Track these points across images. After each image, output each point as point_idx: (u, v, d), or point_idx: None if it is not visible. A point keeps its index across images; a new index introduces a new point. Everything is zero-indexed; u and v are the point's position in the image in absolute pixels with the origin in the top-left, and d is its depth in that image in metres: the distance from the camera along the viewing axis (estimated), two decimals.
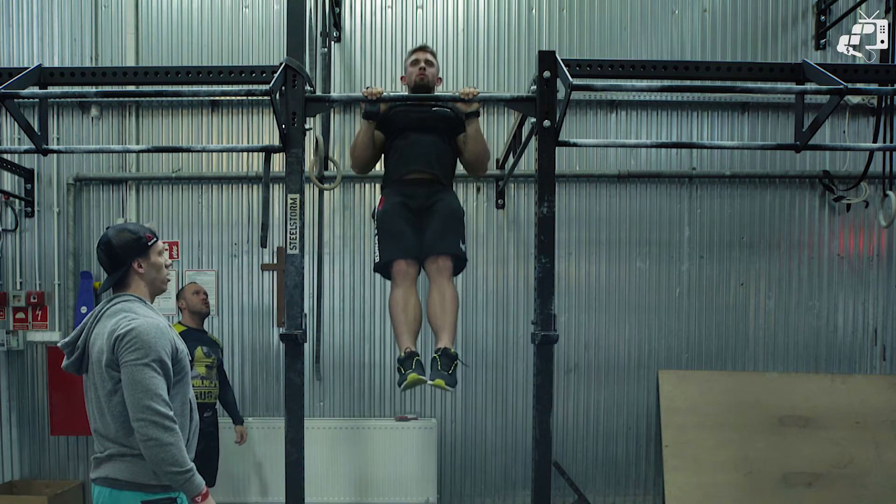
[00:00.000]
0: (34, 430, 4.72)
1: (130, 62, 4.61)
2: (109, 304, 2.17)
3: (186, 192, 4.72)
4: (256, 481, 4.54)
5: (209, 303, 4.15)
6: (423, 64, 3.42)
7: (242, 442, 4.26)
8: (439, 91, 3.66)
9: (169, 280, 2.36)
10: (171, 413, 2.03)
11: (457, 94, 3.22)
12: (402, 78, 3.58)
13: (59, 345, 2.24)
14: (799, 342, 4.70)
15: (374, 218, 3.45)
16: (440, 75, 3.62)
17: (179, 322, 4.08)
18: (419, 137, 3.36)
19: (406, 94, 3.22)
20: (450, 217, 3.29)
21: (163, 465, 2.01)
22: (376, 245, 3.31)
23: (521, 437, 4.62)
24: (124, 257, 2.17)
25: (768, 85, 2.95)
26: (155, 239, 2.25)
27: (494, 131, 4.69)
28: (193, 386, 3.85)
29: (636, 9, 4.64)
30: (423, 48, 3.51)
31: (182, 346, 2.21)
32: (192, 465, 2.07)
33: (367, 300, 4.70)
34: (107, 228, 2.25)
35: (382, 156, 3.55)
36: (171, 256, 4.68)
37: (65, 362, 2.19)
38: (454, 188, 3.52)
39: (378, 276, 4.55)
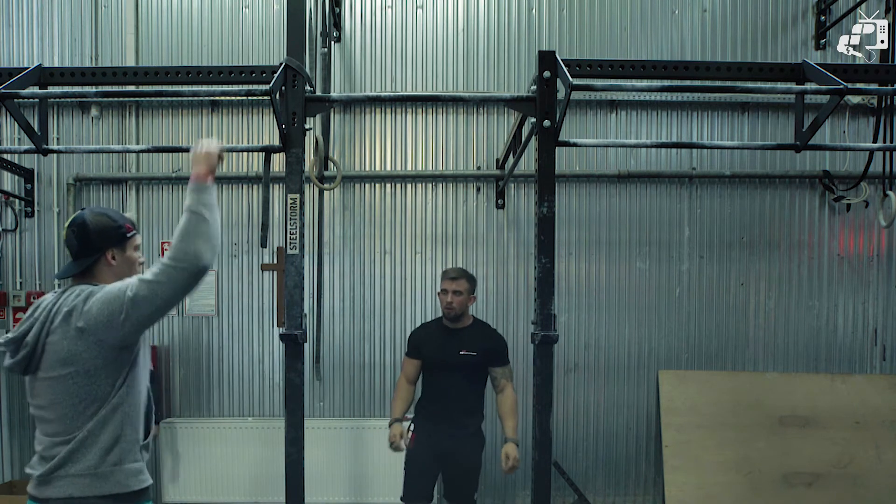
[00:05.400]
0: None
1: (130, 62, 4.61)
2: (67, 291, 1.95)
3: (186, 192, 4.71)
4: (256, 482, 4.53)
5: None
6: (450, 297, 3.52)
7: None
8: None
9: None
10: (158, 263, 1.84)
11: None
12: (438, 294, 3.66)
13: (0, 342, 1.97)
14: (799, 342, 4.70)
15: (406, 447, 3.59)
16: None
17: None
18: (448, 379, 3.56)
19: (406, 94, 3.20)
20: (468, 473, 3.63)
21: (210, 238, 1.88)
22: (404, 477, 3.63)
23: (522, 437, 4.60)
24: (99, 244, 1.99)
25: (768, 85, 2.95)
26: (135, 231, 2.09)
27: (494, 131, 4.69)
28: None
29: (636, 9, 4.64)
30: (453, 278, 3.56)
31: None
32: (187, 218, 1.88)
33: (367, 300, 4.70)
34: (82, 209, 2.04)
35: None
36: None
37: (8, 361, 1.94)
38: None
39: (378, 275, 4.68)
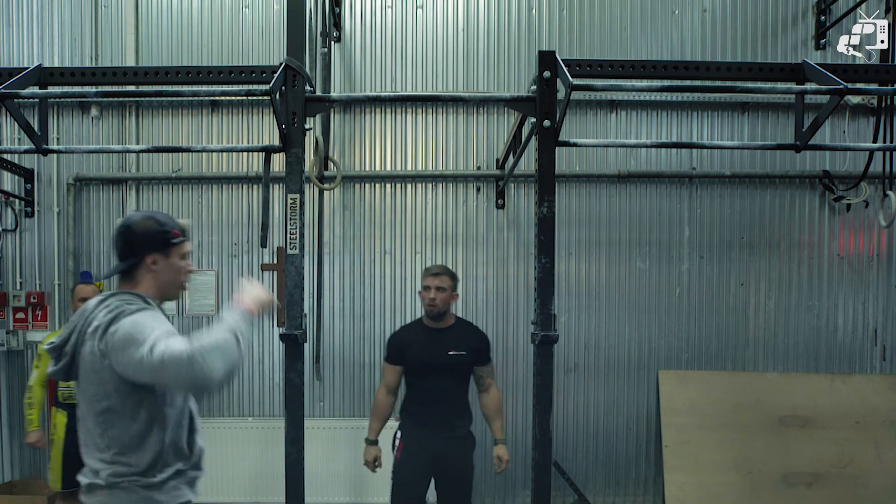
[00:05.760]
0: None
1: (130, 62, 4.61)
2: (104, 302, 1.90)
3: (186, 192, 4.72)
4: (256, 482, 4.54)
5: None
6: (433, 294, 3.42)
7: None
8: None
9: (185, 289, 2.10)
10: (183, 347, 1.72)
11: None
12: (419, 293, 3.57)
13: (45, 348, 1.98)
14: (799, 342, 4.69)
15: (392, 450, 3.56)
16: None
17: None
18: (436, 382, 3.45)
19: (406, 94, 3.20)
20: (463, 477, 3.53)
21: (232, 366, 1.81)
22: (391, 489, 3.53)
23: (521, 437, 4.62)
24: (140, 247, 1.92)
25: (768, 85, 2.96)
26: (183, 238, 1.99)
27: (494, 131, 4.69)
28: (69, 387, 3.61)
29: (636, 9, 4.64)
30: (435, 274, 3.45)
31: None
32: (226, 334, 1.82)
33: (367, 300, 4.70)
34: (135, 210, 2.04)
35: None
36: None
37: (51, 368, 1.95)
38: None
39: (378, 276, 4.68)
